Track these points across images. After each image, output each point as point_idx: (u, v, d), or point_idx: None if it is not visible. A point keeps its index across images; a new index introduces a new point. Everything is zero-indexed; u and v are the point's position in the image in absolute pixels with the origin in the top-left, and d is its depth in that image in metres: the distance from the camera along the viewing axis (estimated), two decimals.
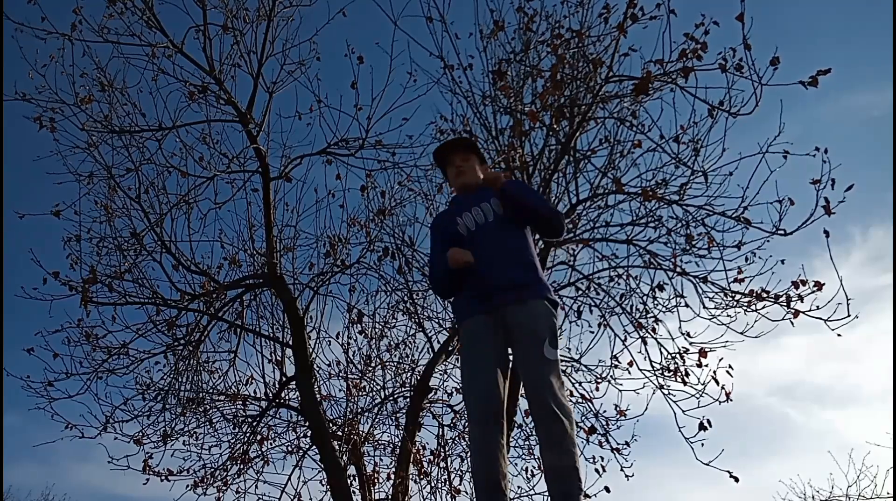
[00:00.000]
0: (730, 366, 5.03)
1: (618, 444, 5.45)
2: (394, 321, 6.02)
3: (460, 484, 5.62)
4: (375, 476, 5.69)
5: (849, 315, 4.33)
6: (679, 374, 5.20)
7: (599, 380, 5.50)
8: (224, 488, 5.82)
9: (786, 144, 4.39)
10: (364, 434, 5.78)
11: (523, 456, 5.82)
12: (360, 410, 5.85)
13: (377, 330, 5.96)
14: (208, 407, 5.89)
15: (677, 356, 5.22)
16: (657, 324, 5.34)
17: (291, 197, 6.16)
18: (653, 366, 5.28)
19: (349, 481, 5.26)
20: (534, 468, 5.74)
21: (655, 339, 5.32)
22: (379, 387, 5.94)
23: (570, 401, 5.50)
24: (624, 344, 5.41)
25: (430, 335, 5.85)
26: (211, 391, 5.91)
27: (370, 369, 5.97)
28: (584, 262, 5.55)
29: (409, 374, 6.01)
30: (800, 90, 4.03)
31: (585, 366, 5.60)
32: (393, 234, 5.72)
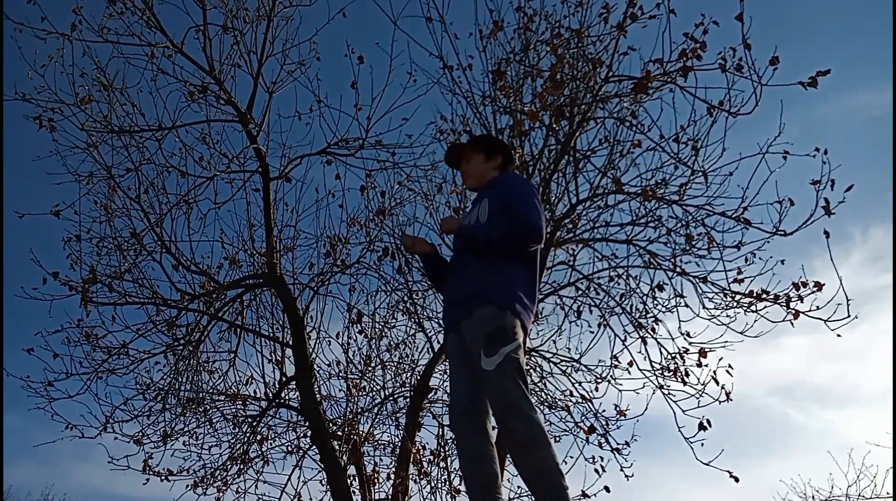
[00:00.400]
0: (730, 366, 5.04)
1: (618, 444, 5.45)
2: (394, 321, 6.03)
3: (460, 484, 5.61)
4: (375, 476, 5.69)
5: (849, 316, 4.33)
6: (679, 374, 5.20)
7: (599, 380, 5.50)
8: (224, 488, 5.82)
9: (786, 144, 4.39)
10: (364, 434, 5.78)
11: None
12: (360, 410, 5.86)
13: (377, 330, 5.97)
14: (208, 407, 5.89)
15: (677, 356, 5.22)
16: (657, 324, 5.35)
17: (291, 197, 6.15)
18: (653, 366, 5.28)
19: (349, 481, 5.26)
20: None
21: (655, 339, 5.33)
22: (379, 387, 5.95)
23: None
24: (624, 344, 5.42)
25: (430, 335, 5.86)
26: (211, 391, 5.91)
27: (370, 369, 5.97)
28: (584, 262, 5.58)
29: (409, 374, 6.02)
30: (800, 90, 4.03)
31: (585, 366, 5.60)
32: (393, 234, 5.72)
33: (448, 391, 2.85)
